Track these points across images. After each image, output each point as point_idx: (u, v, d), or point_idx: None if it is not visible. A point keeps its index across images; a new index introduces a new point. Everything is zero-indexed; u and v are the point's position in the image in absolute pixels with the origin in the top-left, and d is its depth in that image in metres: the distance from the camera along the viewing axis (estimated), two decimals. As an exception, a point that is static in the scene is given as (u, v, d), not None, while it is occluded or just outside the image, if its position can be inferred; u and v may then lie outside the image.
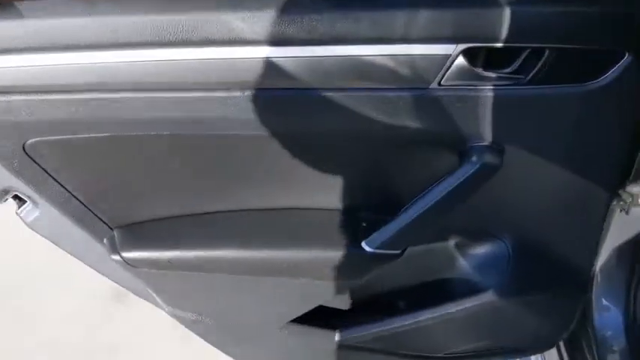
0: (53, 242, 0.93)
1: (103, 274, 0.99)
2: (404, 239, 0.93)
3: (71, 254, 0.96)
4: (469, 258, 1.07)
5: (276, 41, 0.73)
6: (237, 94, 0.77)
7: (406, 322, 1.06)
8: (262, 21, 0.72)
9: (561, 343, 1.24)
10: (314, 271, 0.92)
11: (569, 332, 1.15)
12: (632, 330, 1.14)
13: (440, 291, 1.08)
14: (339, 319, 1.08)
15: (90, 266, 0.98)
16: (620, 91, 0.81)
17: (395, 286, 1.10)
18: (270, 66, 0.75)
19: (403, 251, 0.94)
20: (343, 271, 0.92)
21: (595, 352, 1.16)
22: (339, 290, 0.98)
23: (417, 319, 1.06)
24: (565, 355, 1.24)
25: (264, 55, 0.74)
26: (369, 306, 1.10)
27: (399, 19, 0.74)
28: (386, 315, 1.07)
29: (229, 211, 0.92)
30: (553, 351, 1.24)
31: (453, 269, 1.08)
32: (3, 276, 1.70)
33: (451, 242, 1.07)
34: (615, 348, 1.16)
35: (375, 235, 0.91)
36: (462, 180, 0.85)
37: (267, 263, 0.90)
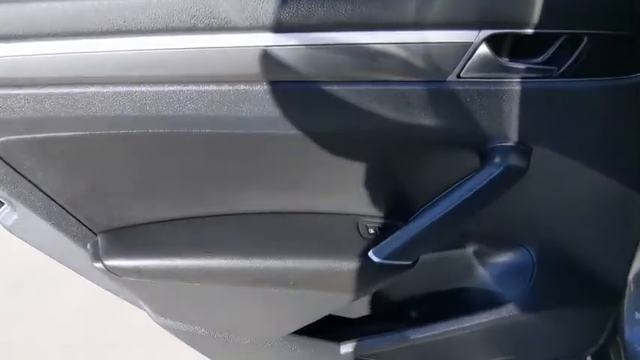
0: (35, 247, 0.87)
1: (91, 281, 0.92)
2: (416, 249, 0.84)
3: (55, 260, 0.89)
4: (489, 267, 0.98)
5: (266, 28, 0.64)
6: (227, 88, 0.69)
7: (418, 335, 0.98)
8: (252, 4, 0.63)
9: (589, 357, 1.15)
10: (315, 282, 0.84)
11: (598, 347, 1.06)
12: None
13: (456, 302, 1.00)
14: (344, 329, 1.00)
15: (77, 272, 0.91)
16: None
17: (406, 296, 1.02)
18: (261, 56, 0.66)
19: (415, 262, 0.85)
20: (348, 283, 0.84)
21: (624, 366, 1.07)
22: (343, 303, 0.89)
23: (430, 332, 0.98)
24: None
25: (254, 44, 0.66)
26: (378, 316, 1.02)
27: (411, 1, 0.65)
28: (396, 327, 0.99)
29: (224, 215, 0.84)
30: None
31: (471, 279, 0.99)
32: (2, 276, 1.68)
33: (469, 249, 0.98)
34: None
35: (383, 243, 0.82)
36: (483, 184, 0.76)
37: (265, 273, 0.82)
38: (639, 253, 0.97)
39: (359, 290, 0.85)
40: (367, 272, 0.82)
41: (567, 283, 0.95)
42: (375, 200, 0.85)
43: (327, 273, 0.82)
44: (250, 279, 0.82)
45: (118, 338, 1.54)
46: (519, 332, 0.99)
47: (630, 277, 1.02)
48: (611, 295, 0.97)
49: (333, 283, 0.84)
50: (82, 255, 0.85)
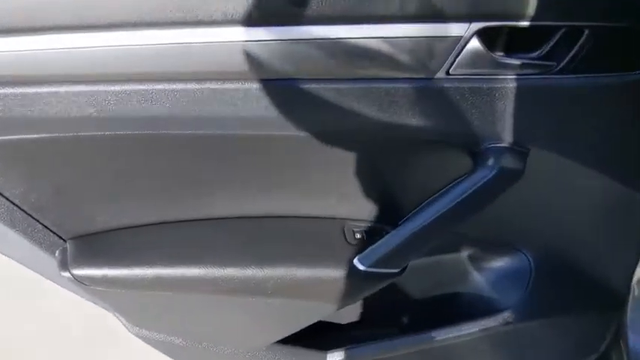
0: (3, 254, 0.82)
1: (67, 289, 0.87)
2: (403, 256, 0.79)
3: (27, 267, 0.85)
4: (485, 272, 0.93)
5: (238, 21, 0.59)
6: (195, 86, 0.64)
7: (410, 344, 0.93)
8: None
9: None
10: (296, 291, 0.79)
11: (599, 354, 1.02)
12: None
13: (450, 309, 0.95)
14: (332, 336, 0.96)
15: (51, 281, 0.86)
16: None
17: (398, 301, 0.97)
18: (234, 52, 0.61)
19: (403, 269, 0.80)
20: (330, 292, 0.79)
21: (628, 374, 1.02)
22: (325, 313, 0.85)
23: (423, 341, 0.93)
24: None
25: (225, 39, 0.60)
26: (368, 322, 0.97)
27: None
28: (387, 334, 0.95)
29: (200, 220, 0.79)
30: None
31: (466, 285, 0.95)
32: (4, 267, 1.66)
33: (463, 254, 0.94)
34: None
35: (369, 250, 0.78)
36: (475, 188, 0.72)
37: (244, 281, 0.77)
38: (644, 255, 0.93)
39: (342, 300, 0.80)
40: (351, 281, 0.78)
41: (567, 288, 0.91)
42: (361, 204, 0.81)
43: (308, 282, 0.77)
44: (228, 288, 0.77)
45: (119, 338, 1.51)
46: (517, 340, 0.95)
47: (634, 280, 0.97)
48: (612, 300, 0.92)
49: (315, 293, 0.79)
50: (52, 263, 0.80)
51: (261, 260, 0.77)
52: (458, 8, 0.60)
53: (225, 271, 0.76)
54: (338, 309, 0.82)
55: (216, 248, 0.78)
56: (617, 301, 0.93)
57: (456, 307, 0.95)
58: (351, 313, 0.97)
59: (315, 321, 0.85)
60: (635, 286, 0.99)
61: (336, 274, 0.77)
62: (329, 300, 0.80)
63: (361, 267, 0.77)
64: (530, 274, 0.88)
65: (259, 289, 0.77)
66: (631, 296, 1.00)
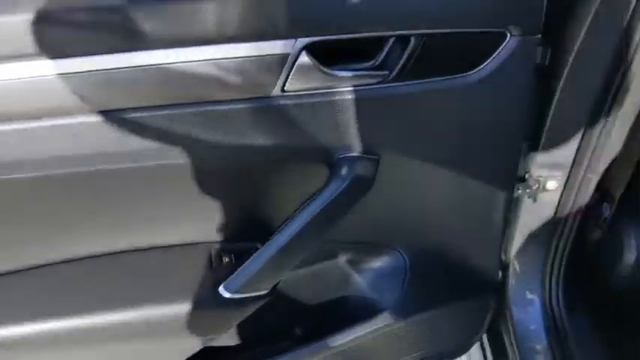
0: None
1: None
2: (269, 276, 0.77)
3: None
4: (364, 274, 0.94)
5: (53, 53, 0.55)
6: (17, 126, 0.59)
7: (305, 355, 0.92)
8: (29, 27, 0.53)
9: (485, 340, 1.15)
10: (159, 331, 0.74)
11: (481, 335, 1.06)
12: (552, 321, 1.06)
13: (336, 315, 0.95)
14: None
15: None
16: (506, 79, 0.67)
17: (286, 315, 0.95)
18: (50, 87, 0.56)
19: (274, 288, 0.78)
20: (198, 327, 0.75)
21: (516, 347, 1.08)
22: (197, 347, 0.81)
23: (317, 350, 0.91)
24: (489, 353, 1.15)
25: (42, 74, 0.56)
26: (257, 342, 0.95)
27: (214, 11, 0.57)
28: (279, 350, 0.92)
29: (43, 266, 0.72)
30: (477, 349, 1.15)
31: (348, 289, 0.94)
32: None
33: (342, 259, 0.93)
34: (535, 339, 1.08)
35: (233, 276, 0.75)
36: (332, 198, 0.72)
37: (99, 330, 0.71)
38: (517, 236, 0.97)
39: (211, 333, 0.77)
40: (218, 311, 0.74)
41: (442, 279, 0.93)
42: (226, 226, 0.78)
43: (170, 319, 0.73)
44: (81, 338, 0.71)
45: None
46: (404, 335, 0.96)
47: (512, 256, 1.02)
48: (486, 282, 0.96)
49: (179, 330, 0.75)
50: None
51: (116, 303, 0.71)
52: (282, 26, 0.59)
53: (75, 321, 0.70)
54: (209, 342, 0.79)
55: (64, 296, 0.72)
56: (492, 281, 0.97)
57: (342, 313, 0.95)
58: (239, 333, 0.94)
59: (190, 354, 0.81)
60: (515, 262, 1.04)
61: (199, 306, 0.73)
62: (197, 335, 0.76)
63: (227, 294, 0.75)
64: (405, 271, 0.89)
65: (117, 334, 0.72)
66: (511, 271, 1.05)
